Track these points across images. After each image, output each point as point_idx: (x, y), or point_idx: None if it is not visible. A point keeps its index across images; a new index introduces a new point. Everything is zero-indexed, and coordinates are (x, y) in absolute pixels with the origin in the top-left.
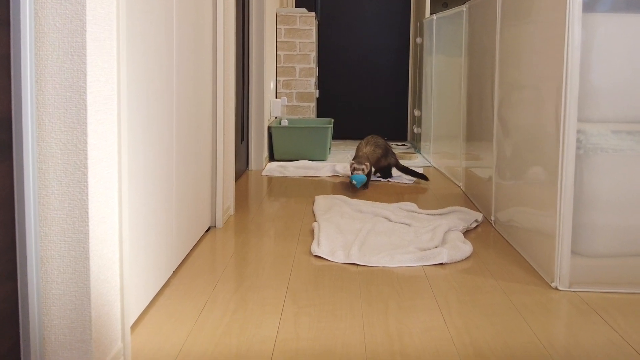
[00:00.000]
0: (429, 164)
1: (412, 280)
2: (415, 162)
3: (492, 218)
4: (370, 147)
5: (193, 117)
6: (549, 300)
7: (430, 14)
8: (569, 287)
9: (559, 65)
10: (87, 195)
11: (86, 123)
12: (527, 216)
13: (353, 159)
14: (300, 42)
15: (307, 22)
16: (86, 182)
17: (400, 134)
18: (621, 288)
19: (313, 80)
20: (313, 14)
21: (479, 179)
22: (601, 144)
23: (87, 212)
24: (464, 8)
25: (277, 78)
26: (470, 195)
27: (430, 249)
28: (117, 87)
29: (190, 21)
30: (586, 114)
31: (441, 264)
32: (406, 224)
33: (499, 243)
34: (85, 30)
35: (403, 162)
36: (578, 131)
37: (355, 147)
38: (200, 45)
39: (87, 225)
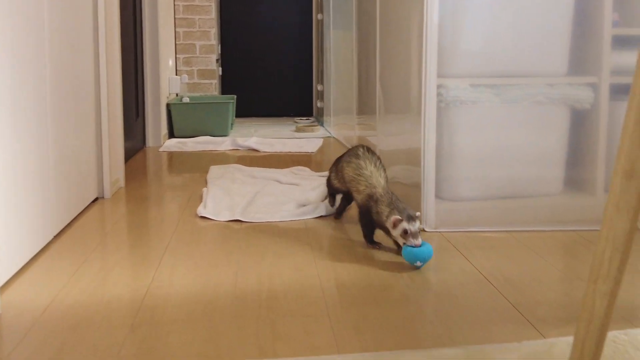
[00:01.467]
0: (329, 135)
1: (292, 232)
2: (316, 134)
3: None
4: (380, 170)
5: (71, 90)
6: None
7: None
8: (435, 229)
9: (421, 26)
10: None
11: None
12: (402, 172)
13: (388, 208)
14: (199, 18)
15: None
16: None
17: (306, 109)
18: (480, 227)
19: (214, 57)
20: None
21: (369, 144)
22: (460, 97)
23: None
24: None
25: (177, 55)
26: None
27: (311, 204)
28: None
29: None
30: (448, 70)
31: (321, 216)
32: (295, 184)
33: None
34: None
35: (305, 135)
36: (439, 86)
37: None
38: (78, 18)
39: None
